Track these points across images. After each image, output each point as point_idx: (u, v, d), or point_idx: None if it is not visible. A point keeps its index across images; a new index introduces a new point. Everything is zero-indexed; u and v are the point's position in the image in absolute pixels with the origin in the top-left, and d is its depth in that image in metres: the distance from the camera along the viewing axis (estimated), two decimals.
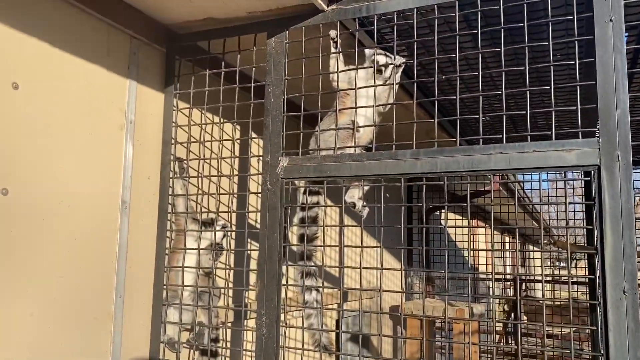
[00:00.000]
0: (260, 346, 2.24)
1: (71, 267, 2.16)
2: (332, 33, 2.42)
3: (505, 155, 1.92)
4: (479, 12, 2.06)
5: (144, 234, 2.53)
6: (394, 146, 2.14)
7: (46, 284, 2.05)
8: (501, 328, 7.15)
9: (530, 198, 7.80)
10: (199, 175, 2.59)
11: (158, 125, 2.63)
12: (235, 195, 2.89)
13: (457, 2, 2.09)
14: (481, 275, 8.06)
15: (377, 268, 2.21)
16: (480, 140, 1.99)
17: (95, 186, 2.29)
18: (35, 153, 2.03)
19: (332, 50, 2.45)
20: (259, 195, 2.36)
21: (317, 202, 2.63)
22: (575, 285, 6.88)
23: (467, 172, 1.98)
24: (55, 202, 2.10)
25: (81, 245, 2.21)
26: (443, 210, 7.46)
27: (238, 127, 3.08)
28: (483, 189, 6.32)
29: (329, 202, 3.74)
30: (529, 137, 1.91)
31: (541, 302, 8.08)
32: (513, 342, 7.15)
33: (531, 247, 14.27)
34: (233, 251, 2.89)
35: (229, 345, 2.75)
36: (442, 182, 2.06)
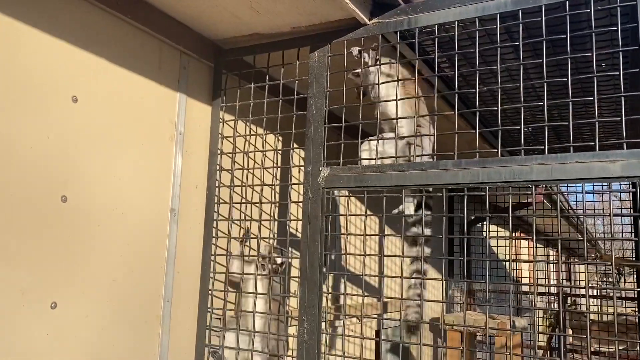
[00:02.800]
0: (301, 353, 2.29)
1: (123, 271, 2.27)
2: (354, 51, 2.47)
3: (547, 166, 1.92)
4: (520, 24, 2.08)
5: (191, 241, 2.63)
6: (435, 156, 2.17)
7: (100, 287, 2.16)
8: (545, 343, 6.97)
9: (575, 210, 7.61)
10: (243, 184, 2.67)
11: (205, 136, 2.74)
12: (278, 204, 2.97)
13: (498, 15, 2.11)
14: (523, 288, 7.88)
15: (417, 278, 2.23)
16: (522, 151, 2.00)
17: (147, 194, 2.40)
18: (92, 162, 2.16)
19: (369, 62, 2.50)
20: (300, 204, 2.42)
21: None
22: (623, 301, 6.66)
23: (509, 183, 1.99)
24: (109, 209, 2.22)
25: (133, 251, 2.32)
26: (485, 222, 7.36)
27: (281, 138, 3.17)
28: (526, 201, 6.21)
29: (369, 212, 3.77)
30: (571, 147, 1.91)
31: (586, 316, 7.82)
32: (558, 358, 6.95)
33: (576, 261, 13.83)
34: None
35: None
36: (484, 193, 2.07)
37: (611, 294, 6.68)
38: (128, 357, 2.28)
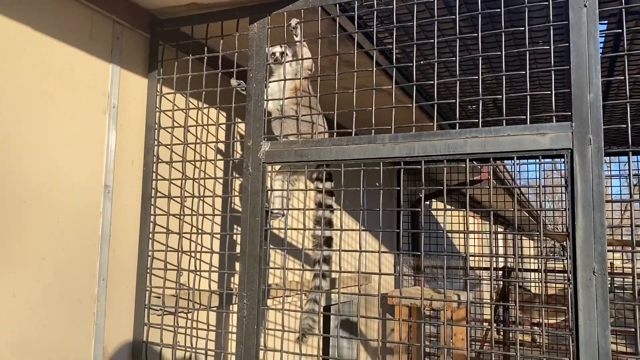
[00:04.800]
0: (241, 328, 2.27)
1: (53, 250, 2.18)
2: (293, 22, 2.43)
3: (480, 139, 1.95)
4: None
5: (127, 219, 2.55)
6: (373, 131, 2.16)
7: (28, 265, 2.07)
8: (490, 316, 7.21)
9: (515, 182, 7.83)
10: (183, 160, 2.60)
11: (141, 110, 2.64)
12: (220, 180, 2.92)
13: None
14: (471, 264, 8.10)
15: (356, 251, 2.23)
16: (457, 125, 2.02)
17: (78, 170, 2.30)
18: (17, 135, 2.05)
19: (295, 38, 2.47)
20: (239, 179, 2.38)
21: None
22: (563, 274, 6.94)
23: (443, 156, 2.01)
24: (37, 184, 2.11)
25: (63, 228, 2.23)
26: (434, 200, 7.50)
27: (223, 112, 3.10)
28: (473, 179, 6.36)
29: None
30: (504, 121, 1.94)
31: (527, 289, 8.14)
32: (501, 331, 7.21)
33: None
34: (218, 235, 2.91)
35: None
36: (419, 167, 2.08)
37: (557, 267, 6.97)
38: (61, 337, 2.20)
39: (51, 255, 2.17)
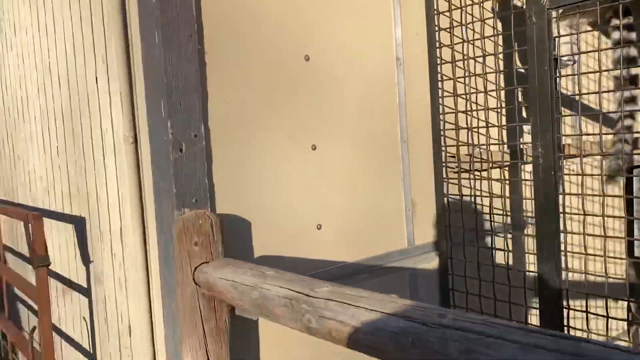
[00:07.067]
0: (537, 172, 2.36)
1: (363, 118, 2.58)
2: None
3: None
4: None
5: (417, 87, 2.80)
6: None
7: (347, 131, 2.51)
8: None
9: None
10: (463, 24, 2.68)
11: None
12: (501, 38, 2.92)
13: None
14: None
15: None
16: None
17: (373, 46, 2.62)
18: (325, 21, 2.43)
19: None
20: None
21: None
22: None
23: None
24: (343, 63, 2.50)
25: (368, 99, 2.60)
26: None
27: None
28: None
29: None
30: None
31: None
32: None
33: None
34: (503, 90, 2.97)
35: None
36: None
37: None
38: (379, 191, 2.64)
39: (362, 122, 2.57)
